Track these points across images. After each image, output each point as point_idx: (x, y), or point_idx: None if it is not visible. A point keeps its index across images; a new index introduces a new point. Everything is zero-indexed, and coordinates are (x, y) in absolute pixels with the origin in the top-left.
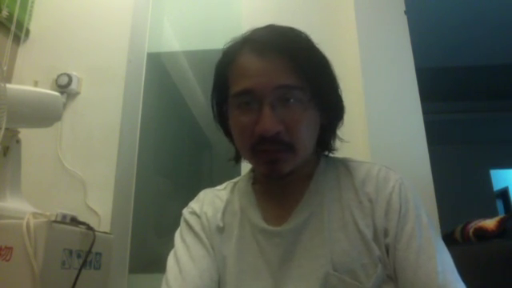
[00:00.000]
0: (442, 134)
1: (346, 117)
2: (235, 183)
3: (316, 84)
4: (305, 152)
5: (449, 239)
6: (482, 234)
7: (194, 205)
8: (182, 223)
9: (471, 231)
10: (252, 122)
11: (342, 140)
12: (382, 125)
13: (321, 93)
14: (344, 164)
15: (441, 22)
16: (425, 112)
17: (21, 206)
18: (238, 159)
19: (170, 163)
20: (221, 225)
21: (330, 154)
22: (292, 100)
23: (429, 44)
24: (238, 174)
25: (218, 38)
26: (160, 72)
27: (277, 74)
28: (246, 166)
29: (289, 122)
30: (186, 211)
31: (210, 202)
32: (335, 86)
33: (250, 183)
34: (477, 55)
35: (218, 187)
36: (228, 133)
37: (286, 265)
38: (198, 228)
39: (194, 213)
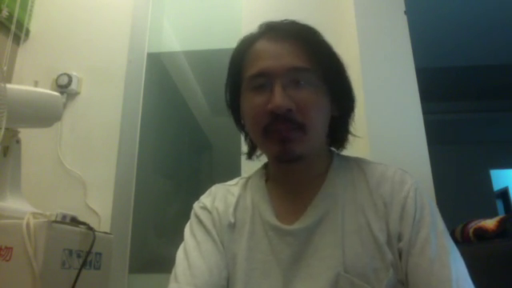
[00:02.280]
0: (442, 134)
1: None
2: (247, 179)
3: (327, 68)
4: (315, 134)
5: None
6: (481, 233)
7: (205, 199)
8: (193, 217)
9: (471, 231)
10: (265, 102)
11: (354, 135)
12: (382, 125)
13: (331, 78)
14: (358, 164)
15: (441, 22)
16: (425, 112)
17: (21, 206)
18: (250, 154)
19: (169, 163)
20: (232, 221)
21: (342, 153)
22: (303, 82)
23: (429, 44)
24: (238, 174)
25: (218, 38)
26: (160, 72)
27: (289, 56)
28: (246, 167)
29: (300, 101)
30: (196, 205)
31: (221, 197)
32: (345, 74)
33: (263, 179)
34: (477, 55)
35: (229, 182)
36: (239, 122)
37: (296, 264)
38: (208, 223)
39: (205, 208)
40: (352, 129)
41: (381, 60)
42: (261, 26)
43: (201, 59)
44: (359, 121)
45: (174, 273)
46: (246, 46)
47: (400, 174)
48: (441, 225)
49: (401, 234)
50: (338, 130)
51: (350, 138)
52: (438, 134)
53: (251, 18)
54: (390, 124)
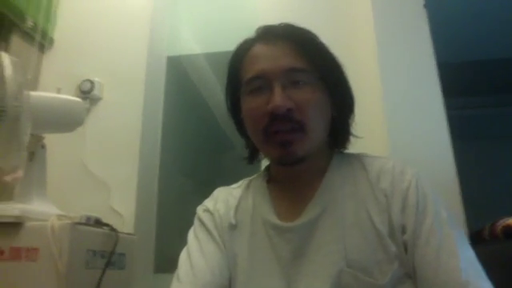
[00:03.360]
0: (470, 130)
1: (365, 114)
2: (250, 180)
3: (323, 67)
4: (315, 134)
5: (477, 237)
6: (510, 231)
7: (207, 202)
8: (196, 220)
9: (499, 229)
10: (264, 104)
11: (356, 136)
12: (402, 122)
13: (328, 77)
14: (358, 159)
15: (463, 14)
16: (452, 107)
17: (46, 209)
18: (251, 159)
19: (192, 164)
20: (233, 222)
21: (346, 151)
22: (301, 82)
23: (451, 37)
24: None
25: (238, 39)
26: (180, 74)
27: (285, 58)
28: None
29: (299, 100)
30: (199, 209)
31: (223, 200)
32: (343, 74)
33: (265, 180)
34: (502, 47)
35: (233, 185)
36: (240, 128)
37: (297, 261)
38: (210, 225)
39: (207, 210)
40: (353, 129)
41: (400, 55)
42: (257, 30)
43: (221, 60)
44: (378, 118)
45: (177, 273)
46: (244, 50)
47: (400, 165)
48: (444, 213)
49: (404, 226)
50: (339, 131)
51: (369, 136)
52: (466, 130)
53: (267, 17)
54: (410, 121)
